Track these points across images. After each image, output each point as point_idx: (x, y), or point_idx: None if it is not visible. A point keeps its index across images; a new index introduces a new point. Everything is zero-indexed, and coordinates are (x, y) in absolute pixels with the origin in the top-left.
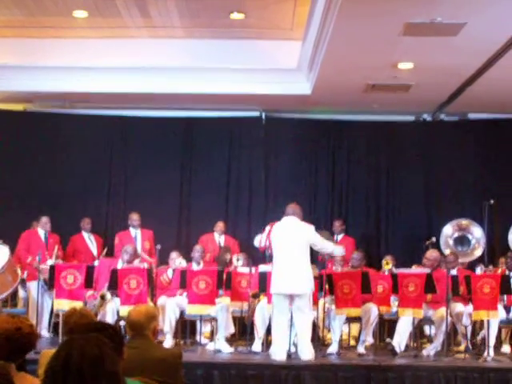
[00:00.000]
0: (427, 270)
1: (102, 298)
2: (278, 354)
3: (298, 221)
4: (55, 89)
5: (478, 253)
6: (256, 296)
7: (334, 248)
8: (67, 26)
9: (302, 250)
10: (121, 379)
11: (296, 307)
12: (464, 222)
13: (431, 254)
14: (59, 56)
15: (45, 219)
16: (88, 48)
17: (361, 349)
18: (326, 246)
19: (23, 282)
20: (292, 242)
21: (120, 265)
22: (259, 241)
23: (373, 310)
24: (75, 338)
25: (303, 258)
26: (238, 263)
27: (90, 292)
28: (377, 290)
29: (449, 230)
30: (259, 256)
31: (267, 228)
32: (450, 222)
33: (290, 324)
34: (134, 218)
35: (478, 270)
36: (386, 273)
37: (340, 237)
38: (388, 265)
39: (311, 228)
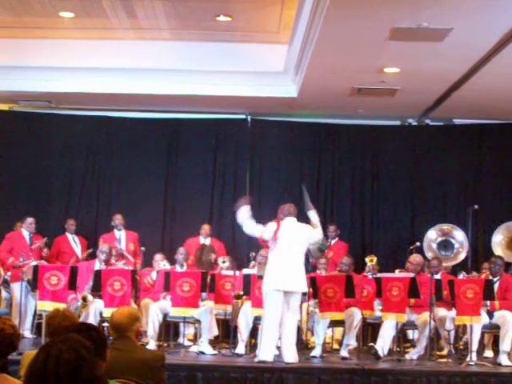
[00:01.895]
0: (411, 275)
1: (84, 299)
2: (266, 354)
3: (297, 221)
4: (41, 89)
5: (462, 256)
6: (239, 297)
7: (320, 235)
8: (53, 26)
9: (301, 250)
10: (101, 382)
11: (290, 307)
12: (446, 226)
13: (414, 258)
14: (45, 56)
15: (30, 220)
16: (74, 49)
17: (344, 352)
18: (316, 235)
19: (6, 283)
20: (294, 242)
21: (97, 266)
22: (260, 233)
23: (356, 314)
24: (54, 341)
25: (301, 259)
26: (224, 265)
27: (71, 295)
28: (362, 294)
29: (432, 235)
30: (243, 259)
31: (273, 224)
32: (433, 227)
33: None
34: (118, 218)
35: (461, 277)
36: (370, 275)
37: (334, 241)
38: (372, 261)
39: (309, 227)
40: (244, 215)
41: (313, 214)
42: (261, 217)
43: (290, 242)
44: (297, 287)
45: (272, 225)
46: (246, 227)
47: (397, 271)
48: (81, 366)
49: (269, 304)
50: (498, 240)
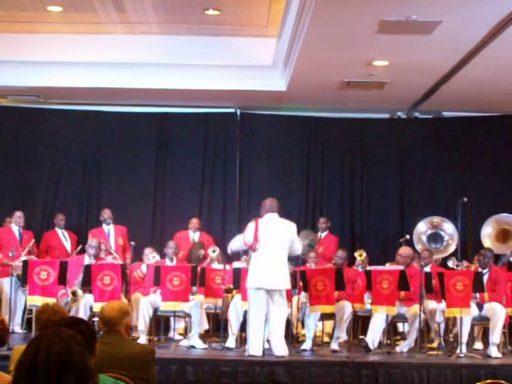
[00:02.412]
0: (401, 267)
1: (74, 294)
2: (255, 349)
3: (279, 217)
4: (29, 84)
5: (452, 249)
6: (229, 291)
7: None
8: (41, 20)
9: (285, 247)
10: (91, 376)
11: (274, 303)
12: (435, 219)
13: (404, 250)
14: (33, 51)
15: (19, 213)
16: (62, 43)
17: (334, 345)
18: (300, 247)
19: None
20: (277, 238)
21: (87, 260)
22: (242, 241)
23: (347, 307)
24: (44, 334)
25: (284, 255)
26: (214, 254)
27: (62, 291)
28: (354, 288)
29: (422, 228)
30: (234, 253)
31: (251, 225)
32: (423, 220)
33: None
34: (106, 212)
35: (450, 264)
36: (360, 268)
37: (324, 234)
38: (362, 256)
39: (294, 226)
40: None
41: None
42: (250, 210)
43: (272, 239)
44: (278, 285)
45: (250, 226)
46: (230, 246)
47: (387, 264)
48: (71, 359)
49: (251, 301)
50: (487, 232)
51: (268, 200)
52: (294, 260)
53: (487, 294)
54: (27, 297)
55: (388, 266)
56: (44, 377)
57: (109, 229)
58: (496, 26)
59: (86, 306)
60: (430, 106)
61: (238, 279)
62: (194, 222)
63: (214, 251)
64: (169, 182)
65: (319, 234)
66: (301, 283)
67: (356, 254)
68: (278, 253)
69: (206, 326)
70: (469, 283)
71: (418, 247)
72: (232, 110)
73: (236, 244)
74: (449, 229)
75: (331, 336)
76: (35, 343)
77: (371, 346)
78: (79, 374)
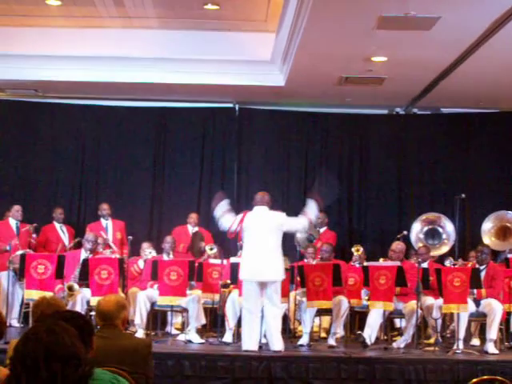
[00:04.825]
0: (398, 263)
1: (70, 289)
2: (249, 344)
3: (269, 210)
4: (28, 77)
5: (445, 249)
6: (226, 286)
7: (304, 223)
8: (40, 14)
9: (274, 238)
10: (79, 364)
11: (267, 296)
12: (431, 215)
13: (396, 245)
14: (32, 44)
15: (17, 207)
16: (61, 37)
17: (331, 341)
18: (296, 223)
19: None
20: (264, 230)
21: (83, 254)
22: (230, 225)
23: (343, 303)
24: (36, 325)
25: (275, 247)
26: (211, 252)
27: (58, 285)
28: (348, 283)
29: (418, 226)
30: (231, 248)
31: (239, 216)
32: (417, 219)
33: (261, 315)
34: (104, 207)
35: (447, 263)
36: (357, 264)
37: (322, 230)
38: (359, 251)
39: (282, 214)
40: (219, 213)
41: (311, 204)
42: (248, 205)
43: (260, 231)
44: (269, 276)
45: (238, 216)
46: (222, 224)
47: (381, 260)
48: (57, 347)
49: (244, 294)
50: (487, 227)
51: (258, 194)
52: (291, 255)
53: (484, 291)
54: (24, 291)
55: (382, 262)
56: (33, 365)
57: (107, 223)
58: (495, 22)
59: (82, 300)
60: (428, 102)
61: (236, 274)
62: (194, 216)
63: (211, 249)
64: (167, 176)
65: (317, 229)
66: (298, 278)
67: (353, 249)
68: (267, 245)
69: (203, 321)
70: (466, 279)
71: (418, 245)
72: (230, 105)
73: (227, 225)
74: (449, 227)
75: (328, 331)
76: (25, 334)
77: (368, 342)
78: (67, 362)
